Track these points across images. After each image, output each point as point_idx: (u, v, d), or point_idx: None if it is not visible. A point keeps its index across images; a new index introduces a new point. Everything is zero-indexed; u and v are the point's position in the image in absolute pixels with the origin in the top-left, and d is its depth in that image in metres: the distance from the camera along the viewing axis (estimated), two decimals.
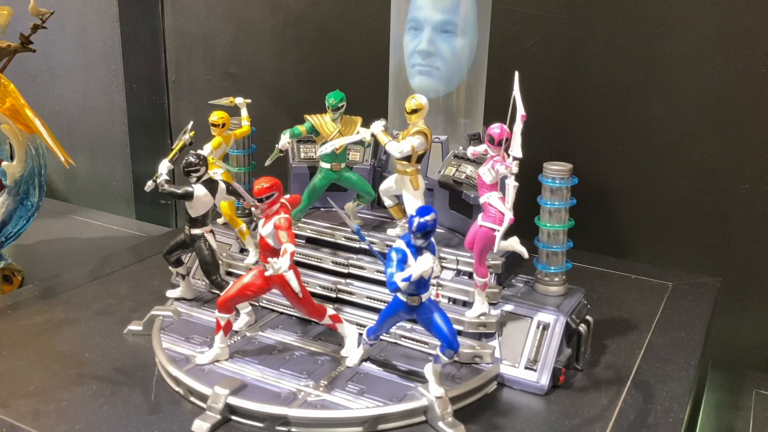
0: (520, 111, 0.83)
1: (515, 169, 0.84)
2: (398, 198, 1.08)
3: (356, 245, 1.09)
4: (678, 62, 1.37)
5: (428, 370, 0.87)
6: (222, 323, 0.93)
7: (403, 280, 0.78)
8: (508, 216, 0.86)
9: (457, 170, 1.10)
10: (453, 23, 1.15)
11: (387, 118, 1.26)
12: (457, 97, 1.20)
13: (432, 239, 0.81)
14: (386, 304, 1.01)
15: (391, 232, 1.09)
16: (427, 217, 0.78)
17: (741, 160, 1.36)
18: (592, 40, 1.44)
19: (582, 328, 0.97)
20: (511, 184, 0.85)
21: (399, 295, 0.84)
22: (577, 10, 1.44)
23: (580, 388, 0.94)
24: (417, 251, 0.81)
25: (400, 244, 0.81)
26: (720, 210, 1.39)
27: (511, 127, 0.84)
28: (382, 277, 1.05)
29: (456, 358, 0.92)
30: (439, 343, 0.84)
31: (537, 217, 1.01)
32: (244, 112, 1.19)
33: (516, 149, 0.83)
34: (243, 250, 1.17)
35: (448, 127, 1.21)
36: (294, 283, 0.90)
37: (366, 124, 1.07)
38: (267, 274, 0.87)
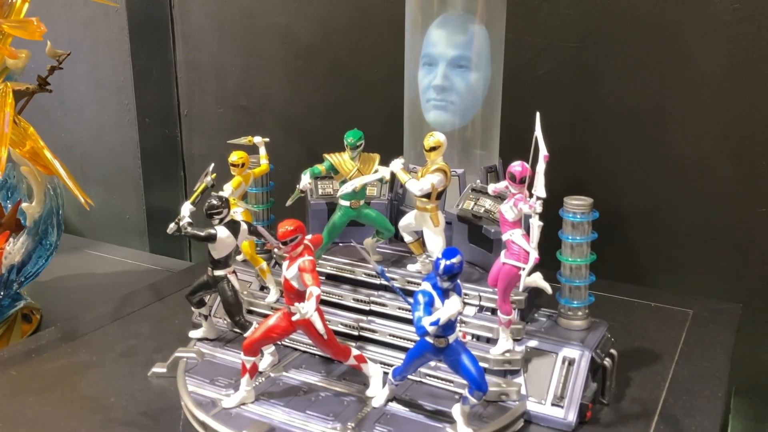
0: (543, 151, 0.83)
1: (539, 209, 0.85)
2: (418, 233, 1.08)
3: (377, 282, 1.10)
4: (692, 87, 1.37)
5: (456, 411, 0.87)
6: (248, 366, 0.93)
7: (432, 324, 0.78)
8: (534, 255, 0.86)
9: (475, 204, 1.11)
10: (467, 58, 1.15)
11: (402, 150, 1.27)
12: (472, 129, 1.21)
13: (458, 280, 0.81)
14: (409, 342, 1.02)
15: (411, 267, 1.10)
16: (454, 260, 0.79)
17: (757, 184, 1.35)
18: (605, 67, 1.44)
19: (607, 362, 0.97)
20: (536, 224, 0.85)
21: (425, 336, 0.84)
22: (588, 38, 1.45)
23: (607, 424, 0.93)
24: (443, 293, 0.81)
25: (426, 286, 0.81)
26: (738, 234, 1.39)
27: (533, 166, 0.85)
28: (404, 314, 1.05)
29: None
30: (467, 384, 0.84)
31: (558, 252, 1.01)
32: (262, 151, 1.20)
33: (540, 189, 0.84)
34: (263, 288, 1.17)
35: (464, 159, 1.22)
36: (319, 325, 0.90)
37: (383, 160, 1.08)
38: (294, 318, 0.87)
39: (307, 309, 0.84)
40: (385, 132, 1.25)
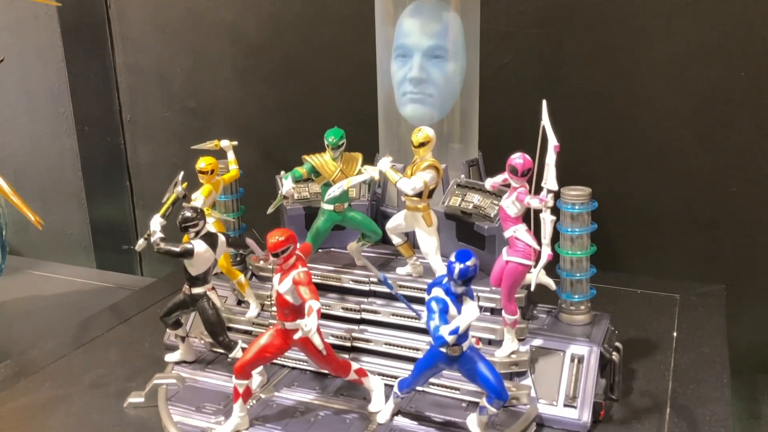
0: (552, 141, 0.79)
1: (551, 203, 0.80)
2: (407, 235, 1.02)
3: (365, 288, 1.04)
4: (658, 70, 1.36)
5: (472, 422, 0.82)
6: (240, 390, 0.85)
7: (451, 333, 0.73)
8: (547, 252, 0.81)
9: (463, 200, 1.06)
10: (443, 48, 1.10)
11: (378, 147, 1.21)
12: (450, 122, 1.16)
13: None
14: (407, 350, 0.97)
15: (400, 270, 1.04)
16: (469, 263, 0.73)
17: (726, 164, 1.35)
18: (570, 53, 1.41)
19: (615, 356, 0.94)
20: (548, 219, 0.80)
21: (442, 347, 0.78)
22: (552, 24, 1.41)
23: (621, 421, 0.90)
24: (456, 298, 0.75)
25: (439, 292, 0.75)
26: (710, 214, 1.38)
27: (541, 157, 0.80)
28: (398, 321, 0.99)
29: None
30: (484, 393, 0.79)
31: (557, 245, 0.97)
32: (230, 155, 1.12)
33: (551, 182, 0.79)
34: (240, 302, 1.10)
35: (442, 153, 1.16)
36: (317, 341, 0.83)
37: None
38: (296, 336, 0.80)
39: (310, 325, 0.77)
40: (351, 129, 1.18)
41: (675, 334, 1.11)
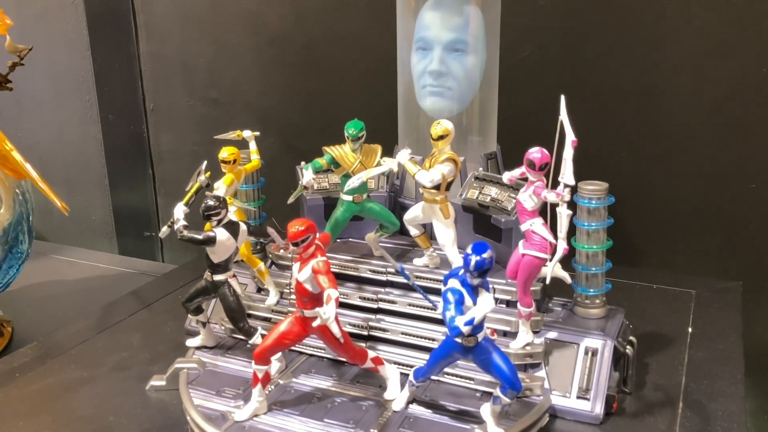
0: (570, 136, 0.79)
1: (568, 197, 0.81)
2: (424, 226, 1.04)
3: (382, 278, 1.05)
4: (678, 65, 1.36)
5: (486, 411, 0.83)
6: (260, 375, 0.87)
7: (466, 323, 0.74)
8: (563, 246, 0.82)
9: (480, 193, 1.07)
10: (463, 41, 1.11)
11: (396, 139, 1.22)
12: (469, 115, 1.17)
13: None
14: (422, 340, 0.98)
15: (417, 261, 1.05)
16: (485, 255, 0.75)
17: (747, 160, 1.35)
18: (590, 47, 1.41)
19: (629, 350, 0.94)
20: (565, 213, 0.81)
21: (457, 337, 0.80)
22: (572, 18, 1.41)
23: (633, 414, 0.91)
24: (472, 290, 0.77)
25: (455, 283, 0.77)
26: (729, 211, 1.38)
27: (559, 152, 0.81)
28: (414, 311, 1.01)
29: None
30: (498, 383, 0.80)
31: (573, 239, 0.98)
32: (252, 146, 1.14)
33: (568, 176, 0.80)
34: (260, 290, 1.12)
35: (461, 146, 1.17)
36: (335, 329, 0.85)
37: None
38: (315, 324, 0.82)
39: (329, 313, 0.79)
40: (371, 121, 1.19)
41: (690, 329, 1.12)
